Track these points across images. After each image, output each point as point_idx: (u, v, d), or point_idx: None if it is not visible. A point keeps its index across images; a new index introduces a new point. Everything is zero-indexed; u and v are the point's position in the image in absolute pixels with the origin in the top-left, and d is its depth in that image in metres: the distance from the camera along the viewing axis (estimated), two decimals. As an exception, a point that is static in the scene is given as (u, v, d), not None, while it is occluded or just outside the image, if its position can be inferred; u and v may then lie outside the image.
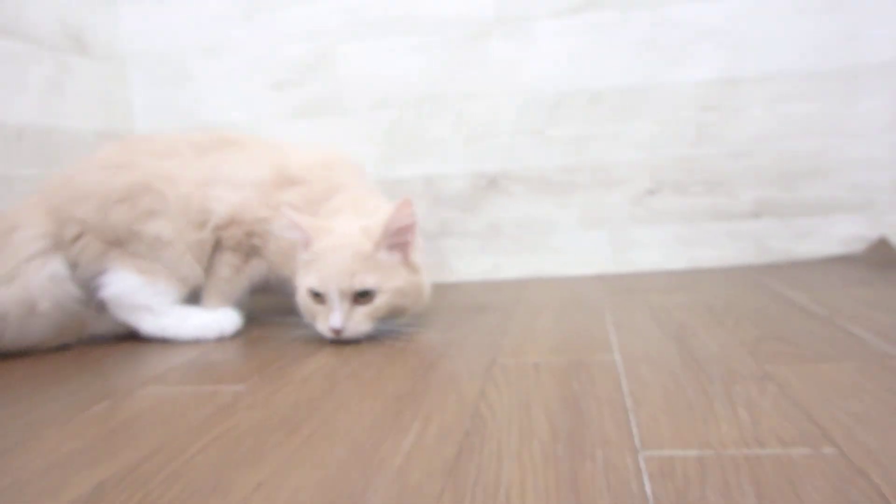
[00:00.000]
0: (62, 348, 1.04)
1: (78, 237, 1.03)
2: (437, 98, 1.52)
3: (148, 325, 1.05)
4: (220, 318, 1.08)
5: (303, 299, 1.00)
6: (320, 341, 0.99)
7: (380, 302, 0.97)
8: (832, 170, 1.41)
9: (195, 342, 1.05)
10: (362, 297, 0.96)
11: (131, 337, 1.08)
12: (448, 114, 1.51)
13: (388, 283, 0.97)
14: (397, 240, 0.99)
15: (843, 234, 1.42)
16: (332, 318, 0.95)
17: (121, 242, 1.04)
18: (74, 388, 0.82)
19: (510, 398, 0.69)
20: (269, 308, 1.20)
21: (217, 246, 1.12)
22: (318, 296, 0.97)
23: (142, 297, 1.04)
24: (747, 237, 1.45)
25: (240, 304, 1.14)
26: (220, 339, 1.06)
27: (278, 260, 1.12)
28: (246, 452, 0.58)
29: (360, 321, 0.96)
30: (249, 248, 1.13)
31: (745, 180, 1.44)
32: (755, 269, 1.39)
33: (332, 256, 0.96)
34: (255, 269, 1.15)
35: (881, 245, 1.39)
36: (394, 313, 1.00)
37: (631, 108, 1.46)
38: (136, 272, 1.04)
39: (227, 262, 1.13)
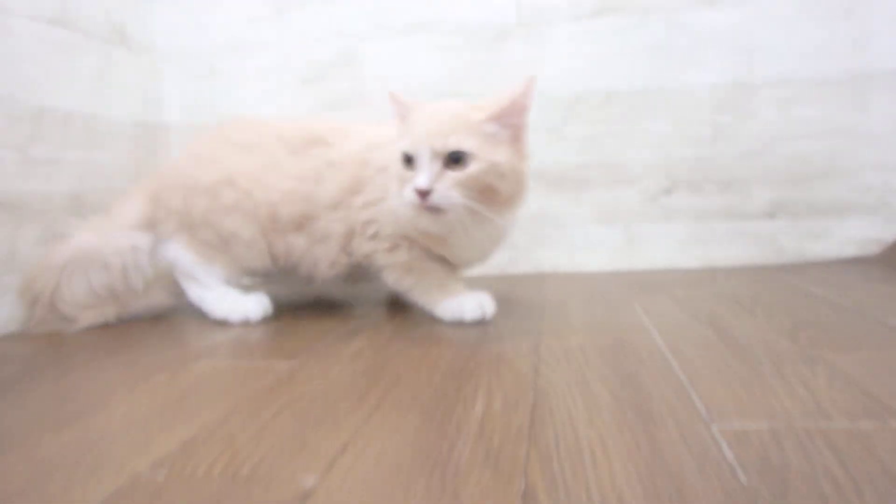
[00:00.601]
0: (100, 328, 1.05)
1: (164, 220, 1.10)
2: (456, 95, 1.53)
3: (192, 292, 1.11)
4: (247, 303, 1.08)
5: (394, 171, 0.94)
6: (360, 322, 0.99)
7: (473, 169, 0.88)
8: (845, 171, 1.44)
9: (222, 322, 1.06)
10: (455, 162, 0.88)
11: (166, 317, 1.09)
12: (470, 110, 1.53)
13: (488, 153, 0.89)
14: (512, 120, 0.93)
15: (857, 236, 1.45)
16: (418, 178, 0.87)
17: (194, 227, 1.08)
18: (126, 360, 0.82)
19: (566, 375, 0.70)
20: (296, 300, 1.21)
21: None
22: (409, 161, 0.90)
23: (194, 271, 1.10)
24: (762, 237, 1.48)
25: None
26: (245, 324, 1.06)
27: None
28: (320, 418, 0.59)
29: (448, 185, 0.87)
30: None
31: (760, 181, 1.47)
32: (771, 268, 1.42)
33: (428, 118, 0.91)
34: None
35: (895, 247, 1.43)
36: (487, 193, 0.90)
37: (646, 109, 1.49)
38: (194, 253, 1.09)
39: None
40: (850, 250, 1.46)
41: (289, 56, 1.59)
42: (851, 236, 1.46)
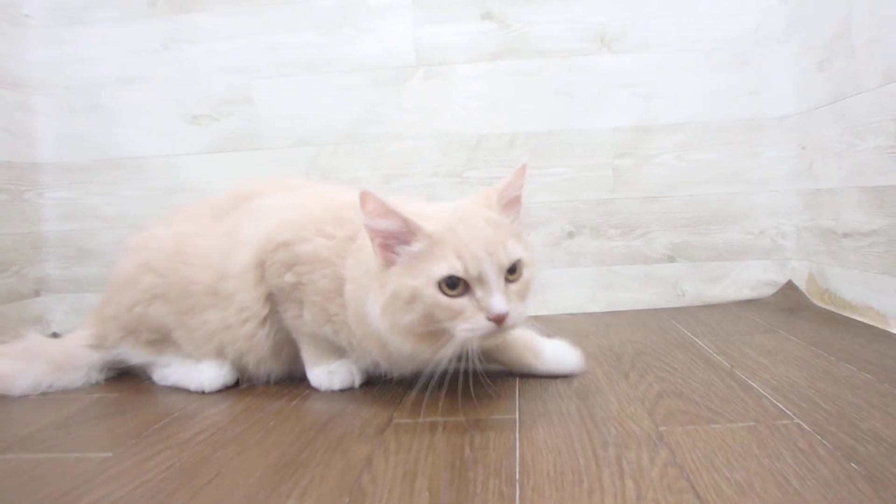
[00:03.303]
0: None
1: (107, 333, 1.06)
2: (356, 137, 1.49)
3: (154, 375, 1.06)
4: (204, 371, 0.99)
5: (427, 303, 0.75)
6: (221, 396, 0.93)
7: (528, 276, 0.79)
8: (740, 215, 1.45)
9: (183, 389, 1.00)
10: (511, 273, 0.77)
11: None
12: (367, 153, 1.49)
13: (528, 253, 0.80)
14: (511, 208, 0.83)
15: (752, 279, 1.46)
16: (495, 301, 0.73)
17: (132, 329, 1.03)
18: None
19: (396, 467, 0.66)
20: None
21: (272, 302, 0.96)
22: (454, 287, 0.74)
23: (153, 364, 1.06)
24: (663, 280, 1.47)
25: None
26: (201, 392, 0.98)
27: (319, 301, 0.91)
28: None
29: (518, 302, 0.77)
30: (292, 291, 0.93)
31: (660, 225, 1.47)
32: (670, 311, 1.41)
33: (468, 230, 0.76)
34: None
35: (788, 289, 1.44)
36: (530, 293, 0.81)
37: (549, 153, 1.47)
38: (142, 350, 1.04)
39: (286, 312, 0.95)
40: (746, 293, 1.46)
41: (177, 92, 1.52)
42: (747, 279, 1.46)
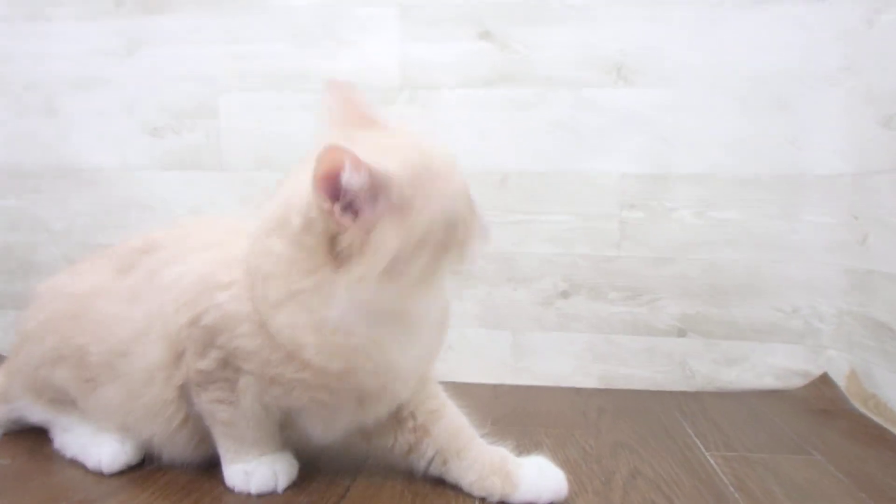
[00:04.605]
0: None
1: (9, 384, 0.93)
2: (329, 161, 1.31)
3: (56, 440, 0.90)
4: (104, 447, 0.82)
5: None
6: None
7: None
8: (768, 289, 1.21)
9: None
10: None
11: None
12: (335, 182, 1.31)
13: None
14: None
15: (777, 365, 1.22)
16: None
17: (36, 388, 0.88)
18: None
19: None
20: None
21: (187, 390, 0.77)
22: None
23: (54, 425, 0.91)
24: (669, 357, 1.24)
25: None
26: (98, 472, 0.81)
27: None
28: None
29: None
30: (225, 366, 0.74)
31: (671, 291, 1.24)
32: (674, 397, 1.18)
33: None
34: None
35: (822, 384, 1.19)
36: None
37: (546, 196, 1.26)
38: (42, 408, 0.90)
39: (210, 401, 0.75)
40: (768, 381, 1.22)
41: (138, 100, 1.37)
42: (771, 365, 1.22)
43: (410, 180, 0.63)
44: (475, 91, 1.27)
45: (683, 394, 1.20)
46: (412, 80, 1.28)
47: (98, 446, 0.81)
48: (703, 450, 0.91)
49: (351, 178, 0.60)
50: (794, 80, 1.18)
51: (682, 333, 1.24)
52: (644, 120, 1.23)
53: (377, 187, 0.62)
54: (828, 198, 1.18)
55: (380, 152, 0.63)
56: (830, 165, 1.17)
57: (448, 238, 0.66)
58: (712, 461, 0.86)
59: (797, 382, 1.21)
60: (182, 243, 0.82)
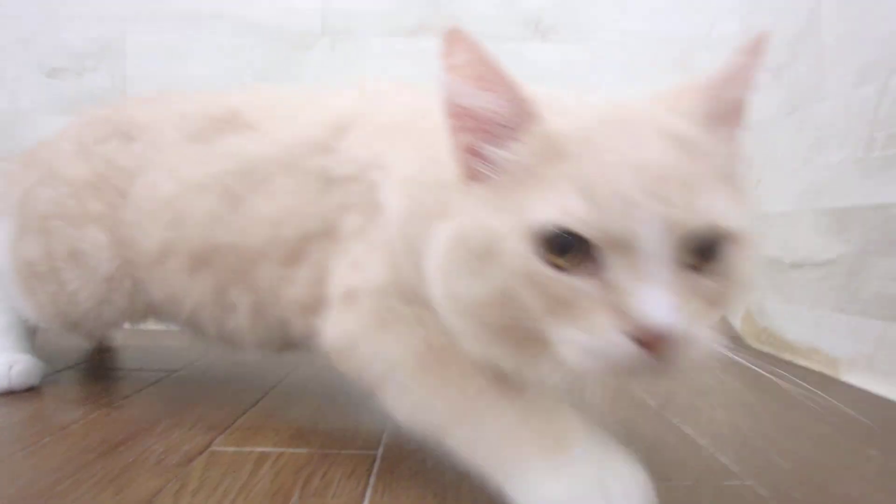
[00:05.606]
0: None
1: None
2: (247, 109, 1.27)
3: None
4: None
5: (510, 270, 0.38)
6: None
7: (739, 269, 0.39)
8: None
9: None
10: (703, 253, 0.38)
11: None
12: (256, 127, 1.26)
13: (745, 219, 0.40)
14: (728, 122, 0.43)
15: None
16: (650, 299, 0.35)
17: (25, 227, 0.78)
18: None
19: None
20: None
21: None
22: (566, 251, 0.37)
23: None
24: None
25: None
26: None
27: None
28: None
29: (702, 315, 0.38)
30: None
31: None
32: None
33: (621, 144, 0.39)
34: None
35: (720, 327, 1.28)
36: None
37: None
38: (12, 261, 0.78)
39: None
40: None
41: (33, 38, 1.26)
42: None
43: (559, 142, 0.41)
44: (399, 40, 1.27)
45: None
46: (334, 26, 1.26)
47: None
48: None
49: (487, 98, 0.43)
50: (698, 44, 1.27)
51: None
52: (561, 75, 1.28)
53: (509, 124, 0.42)
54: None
55: None
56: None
57: None
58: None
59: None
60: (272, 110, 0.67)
